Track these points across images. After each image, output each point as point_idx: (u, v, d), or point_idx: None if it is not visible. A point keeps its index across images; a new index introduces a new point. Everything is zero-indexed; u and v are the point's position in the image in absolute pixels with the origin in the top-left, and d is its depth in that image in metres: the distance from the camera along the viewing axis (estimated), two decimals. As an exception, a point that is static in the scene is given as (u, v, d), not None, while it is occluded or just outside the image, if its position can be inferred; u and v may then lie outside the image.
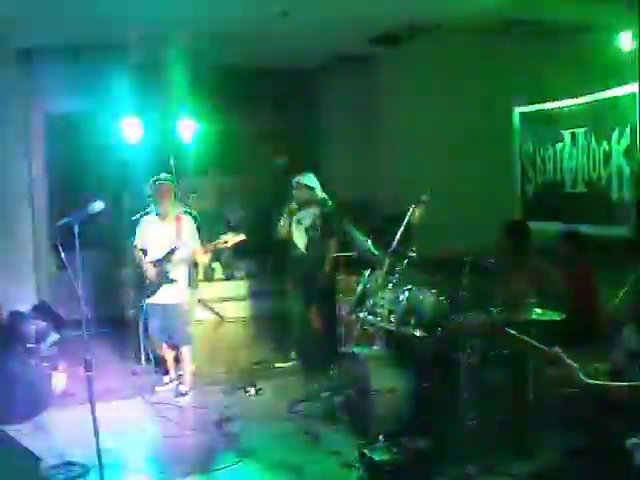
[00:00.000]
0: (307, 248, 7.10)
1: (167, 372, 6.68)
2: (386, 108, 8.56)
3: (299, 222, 7.12)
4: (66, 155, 8.54)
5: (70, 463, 4.76)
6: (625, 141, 6.32)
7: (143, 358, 7.19)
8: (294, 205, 7.12)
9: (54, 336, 6.85)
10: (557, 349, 2.55)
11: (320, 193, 7.12)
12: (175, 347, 6.54)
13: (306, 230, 7.09)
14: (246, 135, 9.67)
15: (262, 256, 9.36)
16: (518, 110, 7.67)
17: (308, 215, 7.10)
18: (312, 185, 7.09)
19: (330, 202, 7.13)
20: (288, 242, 7.20)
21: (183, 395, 6.34)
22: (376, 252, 5.71)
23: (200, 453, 5.16)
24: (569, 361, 2.50)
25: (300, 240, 7.12)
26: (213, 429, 5.53)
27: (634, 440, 2.37)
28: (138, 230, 6.46)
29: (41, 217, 8.58)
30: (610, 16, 6.29)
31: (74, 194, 7.49)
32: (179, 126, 8.46)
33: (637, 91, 6.10)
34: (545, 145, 7.40)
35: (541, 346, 2.53)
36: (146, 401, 6.22)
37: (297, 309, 7.24)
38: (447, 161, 7.64)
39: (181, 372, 6.52)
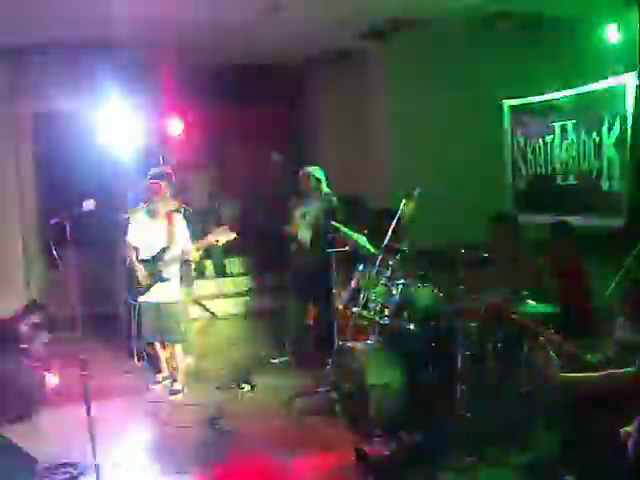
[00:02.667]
0: (312, 243, 7.05)
1: (160, 370, 6.66)
2: (374, 104, 8.55)
3: (303, 217, 7.10)
4: (54, 154, 8.48)
5: (65, 464, 4.74)
6: (615, 132, 6.35)
7: (136, 357, 7.16)
8: (298, 199, 7.12)
9: (46, 336, 6.80)
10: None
11: (325, 187, 7.12)
12: (168, 345, 6.51)
13: (309, 226, 7.06)
14: (234, 132, 9.64)
15: (256, 254, 9.33)
16: (508, 103, 7.69)
17: (312, 210, 7.06)
18: (319, 178, 7.09)
19: (334, 198, 7.11)
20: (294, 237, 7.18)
21: (177, 393, 6.32)
22: (371, 248, 5.70)
23: (195, 450, 5.15)
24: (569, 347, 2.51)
25: (305, 235, 7.09)
26: (208, 426, 5.52)
27: (626, 429, 2.38)
28: (130, 228, 6.43)
29: (30, 217, 8.52)
30: (596, 9, 6.33)
31: (64, 193, 7.42)
32: (169, 124, 8.43)
33: (625, 83, 6.12)
34: (535, 137, 7.42)
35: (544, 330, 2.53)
36: (140, 400, 6.20)
37: (298, 305, 7.22)
38: (438, 155, 7.64)
39: (174, 370, 6.50)
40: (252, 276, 9.75)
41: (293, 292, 7.28)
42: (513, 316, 2.87)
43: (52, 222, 4.18)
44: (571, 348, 2.56)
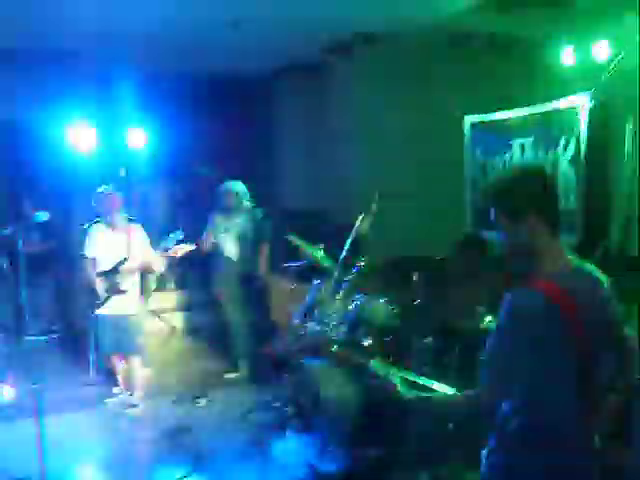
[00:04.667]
0: (239, 254, 7.11)
1: (118, 384, 6.59)
2: (340, 119, 8.60)
3: (227, 230, 7.12)
4: (9, 164, 8.33)
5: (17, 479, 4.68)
6: (570, 150, 6.46)
7: (93, 370, 7.08)
8: (221, 214, 7.13)
9: (1, 348, 6.70)
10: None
11: (248, 201, 7.16)
12: (126, 358, 6.46)
13: (237, 238, 7.10)
14: (198, 144, 9.59)
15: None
16: (469, 120, 7.79)
17: (236, 224, 7.11)
18: (241, 192, 7.11)
19: (258, 210, 7.16)
20: (214, 253, 7.19)
21: (134, 406, 6.28)
22: (327, 262, 5.71)
23: (151, 464, 5.12)
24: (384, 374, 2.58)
25: (231, 249, 7.13)
26: (164, 440, 5.49)
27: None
28: (87, 240, 6.36)
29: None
30: (551, 31, 6.48)
31: (19, 204, 7.33)
32: (129, 134, 8.37)
33: (580, 103, 6.25)
34: (495, 155, 7.52)
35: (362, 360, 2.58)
36: (97, 413, 6.14)
37: (235, 318, 7.20)
38: (400, 170, 7.70)
39: (132, 383, 6.44)
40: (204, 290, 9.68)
41: (230, 305, 7.25)
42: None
43: (4, 232, 4.12)
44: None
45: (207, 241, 7.13)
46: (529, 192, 2.32)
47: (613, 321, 2.40)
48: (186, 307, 9.48)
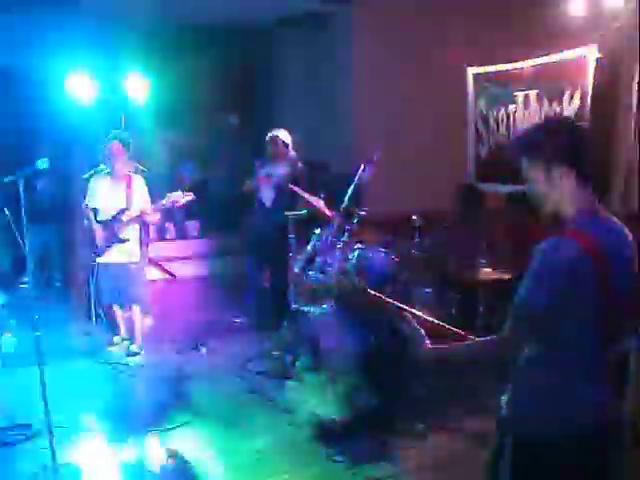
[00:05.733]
0: (274, 204, 7.05)
1: (118, 332, 6.64)
2: (341, 70, 8.49)
3: (268, 178, 7.06)
4: (8, 115, 8.23)
5: (19, 425, 4.73)
6: (576, 102, 6.40)
7: (94, 318, 7.13)
8: (265, 161, 7.08)
9: (2, 297, 6.73)
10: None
11: (292, 151, 7.09)
12: (126, 306, 6.50)
13: (274, 187, 7.04)
14: (198, 95, 9.49)
15: (215, 216, 9.24)
16: (471, 71, 7.69)
17: (278, 171, 7.03)
18: (287, 141, 7.05)
19: (300, 163, 7.09)
20: (252, 195, 7.16)
21: (135, 354, 6.34)
22: (327, 212, 5.69)
23: (152, 412, 5.17)
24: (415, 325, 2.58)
25: (268, 196, 7.08)
26: (165, 388, 5.54)
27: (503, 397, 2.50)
28: (89, 189, 6.35)
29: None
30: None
31: (20, 155, 7.27)
32: (131, 84, 8.27)
33: (586, 54, 6.17)
34: (498, 106, 7.44)
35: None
36: (98, 361, 6.19)
37: (255, 266, 7.23)
38: (401, 121, 7.63)
39: (133, 332, 6.49)
40: (210, 239, 9.67)
41: (251, 254, 7.27)
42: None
43: (4, 181, 4.09)
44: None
45: (250, 185, 7.11)
46: (561, 143, 2.34)
47: (636, 275, 2.42)
48: (195, 255, 9.48)
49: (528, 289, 2.26)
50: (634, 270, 2.39)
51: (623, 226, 2.39)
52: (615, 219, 2.40)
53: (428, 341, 2.52)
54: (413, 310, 2.49)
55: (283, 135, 7.05)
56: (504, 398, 2.48)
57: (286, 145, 7.04)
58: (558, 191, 2.36)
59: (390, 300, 2.51)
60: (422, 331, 2.53)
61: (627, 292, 2.35)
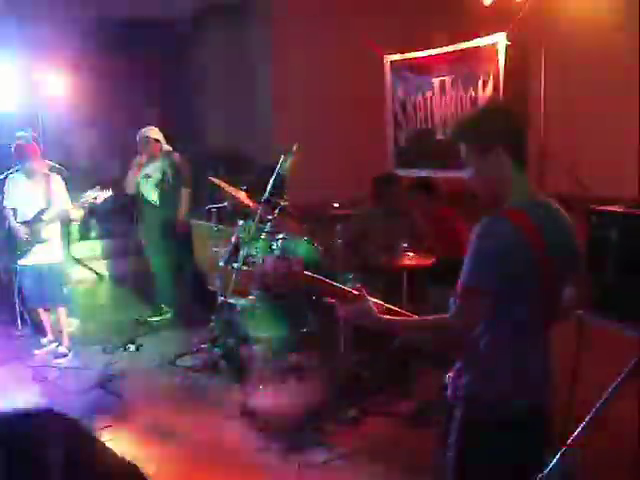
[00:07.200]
0: (160, 200, 7.09)
1: (45, 335, 6.54)
2: (261, 58, 8.50)
3: (147, 176, 7.07)
4: None
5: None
6: (489, 88, 6.58)
7: (19, 321, 6.98)
8: (140, 159, 7.05)
9: None
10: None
11: (166, 145, 7.10)
12: (51, 308, 6.40)
13: (156, 184, 7.06)
14: (117, 88, 9.35)
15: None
16: (389, 59, 7.80)
17: (156, 168, 7.07)
18: (158, 138, 7.06)
19: (176, 154, 7.13)
20: (138, 196, 7.17)
21: (63, 356, 6.25)
22: (249, 203, 5.72)
23: (83, 414, 5.10)
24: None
25: (152, 194, 7.09)
26: (95, 388, 5.50)
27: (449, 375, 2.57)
28: (6, 190, 6.22)
29: None
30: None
31: None
32: (47, 79, 8.08)
33: (497, 41, 6.35)
34: (416, 93, 7.58)
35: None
36: (25, 365, 6.08)
37: (159, 263, 7.24)
38: (321, 110, 7.71)
39: (59, 333, 6.40)
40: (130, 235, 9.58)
41: (153, 250, 7.28)
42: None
43: None
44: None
45: (130, 186, 7.09)
46: (495, 126, 2.41)
47: (575, 252, 2.51)
48: (111, 254, 9.37)
49: (466, 266, 2.31)
50: (572, 247, 2.47)
51: (559, 208, 2.46)
52: (552, 201, 2.46)
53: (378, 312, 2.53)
54: (353, 291, 2.51)
55: (154, 133, 7.05)
56: (449, 375, 2.53)
57: (157, 141, 7.05)
58: (494, 173, 2.42)
59: (329, 281, 2.53)
60: (371, 302, 2.53)
61: (565, 268, 2.43)
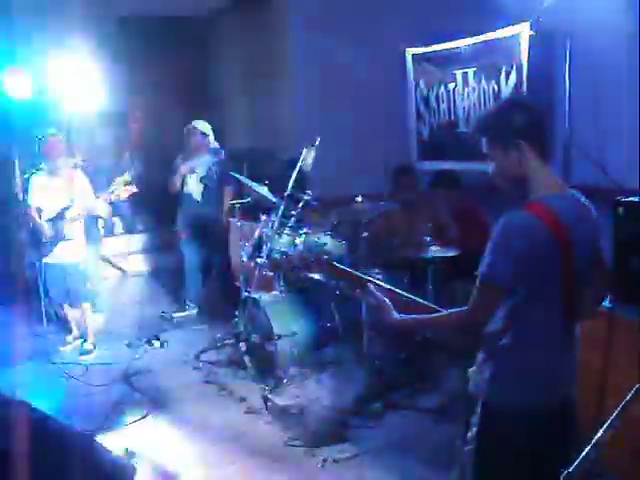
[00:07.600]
0: (203, 196, 7.04)
1: (71, 331, 6.58)
2: (279, 55, 8.47)
3: (192, 170, 7.02)
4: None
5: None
6: (512, 80, 6.50)
7: (45, 319, 7.03)
8: (187, 154, 7.03)
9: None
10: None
11: (213, 141, 7.06)
12: (76, 305, 6.43)
13: (201, 179, 7.02)
14: (141, 85, 9.37)
15: (161, 208, 9.17)
16: (410, 52, 7.75)
17: (202, 164, 7.02)
18: (206, 132, 7.01)
19: (222, 150, 7.08)
20: (182, 192, 7.12)
21: (88, 353, 6.28)
22: (272, 198, 5.69)
23: (109, 409, 5.13)
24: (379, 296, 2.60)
25: (195, 189, 7.05)
26: (120, 384, 5.52)
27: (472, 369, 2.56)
28: (30, 189, 6.25)
29: None
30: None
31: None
32: (70, 76, 8.08)
33: (520, 32, 6.27)
34: (438, 85, 7.52)
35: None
36: (50, 362, 6.12)
37: (194, 259, 7.23)
38: (342, 104, 7.67)
39: (85, 330, 6.43)
40: (155, 232, 9.62)
41: (190, 247, 7.26)
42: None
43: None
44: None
45: (175, 181, 7.05)
46: (517, 122, 2.40)
47: (597, 247, 2.50)
48: (136, 251, 9.41)
49: (487, 260, 2.30)
50: (595, 242, 2.46)
51: (585, 199, 2.44)
52: (577, 194, 2.45)
53: (394, 311, 2.54)
54: (378, 282, 2.49)
55: (201, 126, 6.99)
56: (472, 372, 2.52)
57: (205, 135, 7.00)
58: (516, 167, 2.40)
59: (354, 272, 2.52)
60: (387, 301, 2.54)
61: (587, 262, 2.41)
